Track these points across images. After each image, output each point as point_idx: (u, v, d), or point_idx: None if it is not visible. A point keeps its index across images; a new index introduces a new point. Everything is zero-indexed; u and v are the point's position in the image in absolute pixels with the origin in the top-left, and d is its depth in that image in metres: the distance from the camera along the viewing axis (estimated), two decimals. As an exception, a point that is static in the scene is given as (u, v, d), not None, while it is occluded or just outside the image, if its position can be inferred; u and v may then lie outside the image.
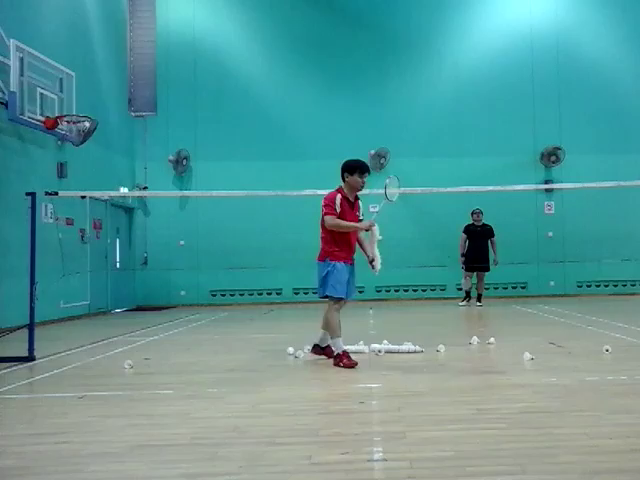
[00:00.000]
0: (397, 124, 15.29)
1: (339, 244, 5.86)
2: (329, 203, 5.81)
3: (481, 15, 15.74)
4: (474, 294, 12.97)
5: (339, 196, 5.82)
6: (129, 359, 6.05)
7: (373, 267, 5.87)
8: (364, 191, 6.07)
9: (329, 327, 5.90)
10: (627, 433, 3.38)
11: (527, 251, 15.13)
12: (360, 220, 6.04)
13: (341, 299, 5.88)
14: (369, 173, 5.93)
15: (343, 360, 5.69)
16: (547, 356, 6.05)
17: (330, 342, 5.99)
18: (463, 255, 12.80)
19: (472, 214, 12.84)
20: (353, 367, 5.58)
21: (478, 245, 12.70)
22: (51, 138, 11.23)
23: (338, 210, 5.78)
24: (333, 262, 5.79)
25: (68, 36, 12.18)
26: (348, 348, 6.54)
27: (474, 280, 12.93)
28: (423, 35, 15.59)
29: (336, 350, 5.81)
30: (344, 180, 5.89)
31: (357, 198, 6.03)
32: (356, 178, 5.82)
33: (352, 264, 6.00)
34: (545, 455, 3.06)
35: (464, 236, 12.83)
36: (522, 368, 5.50)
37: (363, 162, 5.93)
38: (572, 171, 14.61)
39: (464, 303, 12.91)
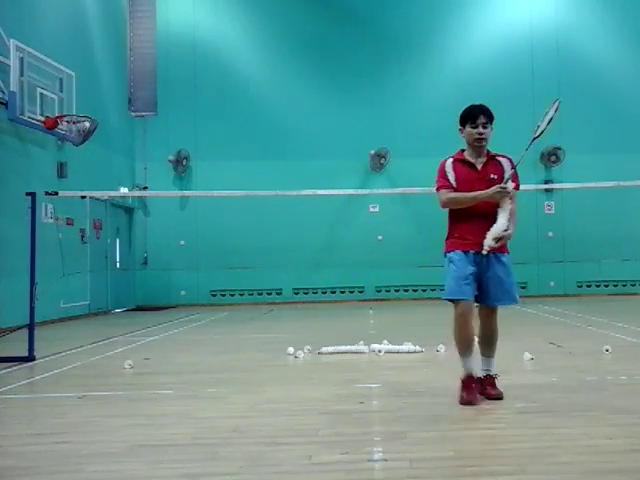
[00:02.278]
0: (397, 124, 15.29)
1: (458, 226, 4.31)
2: (438, 174, 4.42)
3: (481, 15, 15.75)
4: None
5: (450, 161, 4.38)
6: (129, 359, 6.04)
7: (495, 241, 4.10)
8: (364, 190, 5.75)
9: (455, 341, 4.29)
10: (627, 433, 3.38)
11: (527, 251, 15.12)
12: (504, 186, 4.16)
13: (460, 301, 4.17)
14: (489, 116, 4.24)
15: (462, 391, 4.16)
16: (547, 356, 6.05)
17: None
18: None
19: None
20: (472, 404, 4.07)
21: None
22: (51, 138, 11.23)
23: (452, 180, 4.32)
24: (449, 253, 4.29)
25: (68, 36, 12.19)
26: (348, 348, 6.56)
27: None
28: (423, 35, 15.61)
29: (461, 373, 4.24)
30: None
31: (493, 156, 4.34)
32: (468, 130, 4.25)
33: (479, 251, 4.14)
34: (545, 455, 3.05)
35: None
36: (522, 368, 5.50)
37: (476, 105, 4.29)
38: (572, 171, 14.61)
39: None
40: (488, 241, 4.07)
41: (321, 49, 15.61)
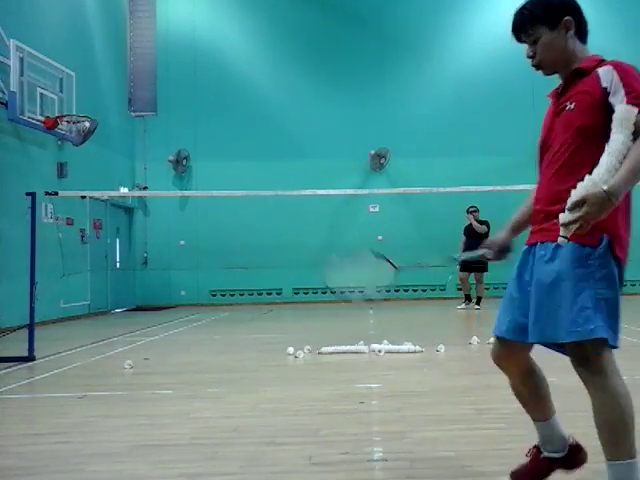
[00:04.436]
0: (397, 124, 15.29)
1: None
2: None
3: (481, 15, 15.74)
4: (473, 294, 12.79)
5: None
6: (129, 359, 6.04)
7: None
8: (364, 190, 5.56)
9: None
10: (627, 433, 3.38)
11: (527, 251, 15.09)
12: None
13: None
14: (532, 23, 2.60)
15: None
16: (547, 356, 6.03)
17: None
18: None
19: (468, 214, 12.46)
20: None
21: (473, 243, 12.27)
22: (51, 138, 11.23)
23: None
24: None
25: (68, 36, 12.19)
26: (348, 348, 6.55)
27: (472, 281, 12.56)
28: (423, 35, 15.60)
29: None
30: None
31: (580, 72, 2.49)
32: None
33: (537, 243, 2.48)
34: (545, 455, 3.04)
35: (464, 238, 12.47)
36: (522, 368, 5.49)
37: (513, 17, 2.75)
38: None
39: (462, 306, 12.57)
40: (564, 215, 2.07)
41: (321, 49, 15.61)
